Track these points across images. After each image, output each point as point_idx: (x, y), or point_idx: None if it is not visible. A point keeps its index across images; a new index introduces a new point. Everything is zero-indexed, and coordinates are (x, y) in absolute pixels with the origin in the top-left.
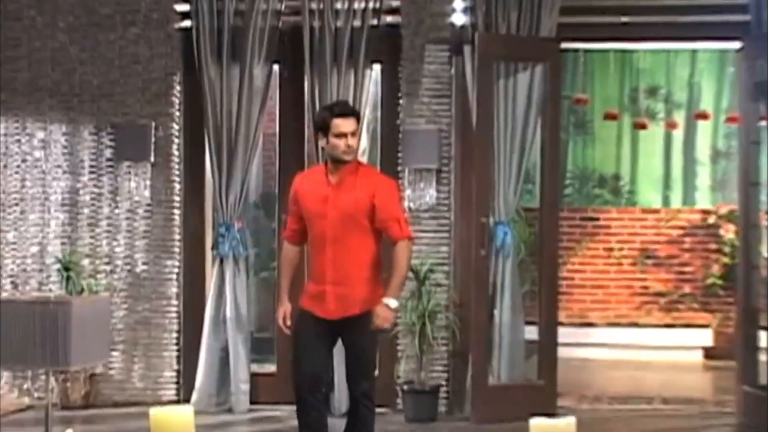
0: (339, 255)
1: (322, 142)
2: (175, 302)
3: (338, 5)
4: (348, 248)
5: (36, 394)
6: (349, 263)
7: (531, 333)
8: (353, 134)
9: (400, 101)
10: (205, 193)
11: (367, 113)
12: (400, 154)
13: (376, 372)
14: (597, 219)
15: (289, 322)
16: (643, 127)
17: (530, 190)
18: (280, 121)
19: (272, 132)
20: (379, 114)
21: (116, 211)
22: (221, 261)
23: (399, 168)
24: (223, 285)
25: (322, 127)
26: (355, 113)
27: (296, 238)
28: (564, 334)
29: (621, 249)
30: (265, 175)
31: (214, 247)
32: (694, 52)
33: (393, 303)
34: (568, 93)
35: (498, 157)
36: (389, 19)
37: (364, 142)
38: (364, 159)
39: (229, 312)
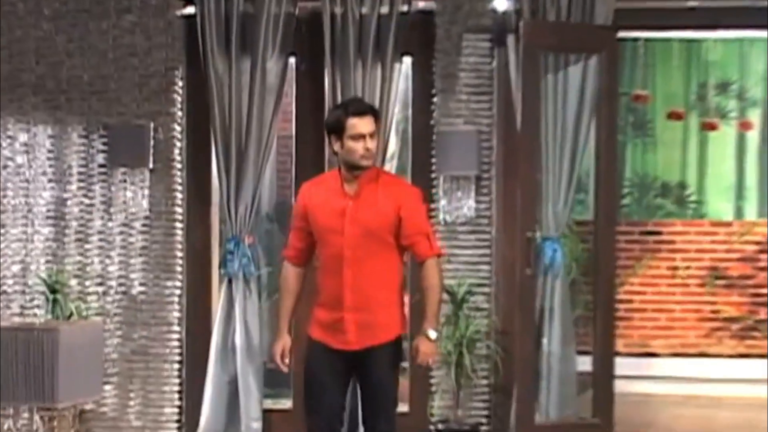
0: (359, 277)
1: (335, 146)
2: (176, 328)
3: None
4: (369, 269)
5: None
6: (370, 286)
7: (584, 364)
8: (372, 136)
9: (434, 99)
10: (212, 203)
11: (396, 112)
12: (433, 159)
13: (406, 409)
14: (659, 233)
15: (287, 360)
16: (713, 127)
17: (583, 200)
18: (297, 121)
19: (288, 134)
20: (409, 113)
21: (109, 224)
22: (230, 281)
23: (432, 175)
24: (232, 309)
25: (336, 129)
26: (372, 111)
27: (301, 259)
28: (622, 365)
29: (687, 268)
30: (280, 183)
31: (222, 265)
32: None
33: (434, 334)
34: (626, 89)
35: (546, 162)
36: (421, 4)
37: (393, 145)
38: (393, 164)
39: (238, 339)
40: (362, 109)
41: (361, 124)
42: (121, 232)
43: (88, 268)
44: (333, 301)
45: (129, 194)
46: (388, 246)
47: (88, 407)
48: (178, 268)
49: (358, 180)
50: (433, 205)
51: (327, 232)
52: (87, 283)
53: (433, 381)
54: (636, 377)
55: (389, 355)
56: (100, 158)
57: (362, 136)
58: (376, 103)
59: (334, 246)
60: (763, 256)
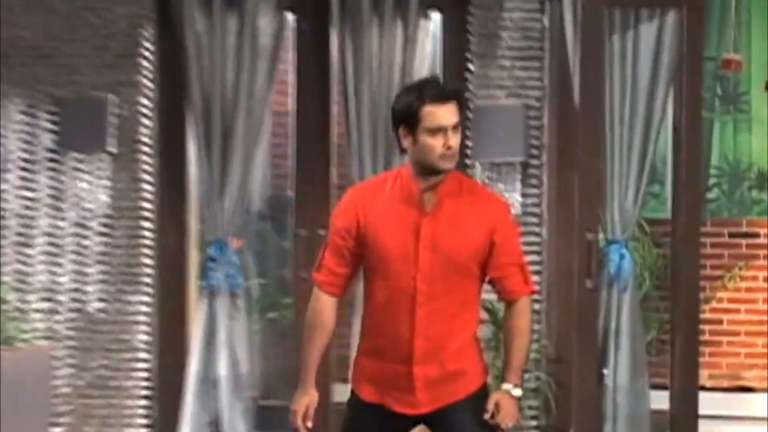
0: (433, 319)
1: (405, 142)
2: (144, 355)
3: None
4: (446, 308)
5: None
6: (447, 330)
7: (660, 400)
8: (455, 129)
9: (470, 65)
10: (189, 198)
11: None
12: (469, 142)
13: None
14: (756, 235)
15: (310, 423)
16: None
17: (657, 193)
18: (298, 94)
19: (284, 110)
20: None
21: (60, 224)
22: (212, 296)
23: (467, 161)
24: (215, 330)
25: (407, 119)
26: (457, 96)
27: (339, 287)
28: (708, 402)
29: None
30: (275, 172)
31: (202, 276)
32: None
33: (518, 392)
34: (713, 52)
35: (611, 146)
36: None
37: None
38: None
39: (223, 369)
40: (443, 94)
41: (442, 114)
42: (75, 234)
43: (31, 279)
44: (393, 351)
45: (84, 186)
46: (472, 278)
47: None
48: (147, 280)
49: (436, 189)
50: None
51: (393, 258)
52: (30, 297)
53: None
54: (725, 417)
55: (477, 411)
56: (48, 140)
57: (443, 130)
58: (396, 71)
59: (402, 277)
60: None
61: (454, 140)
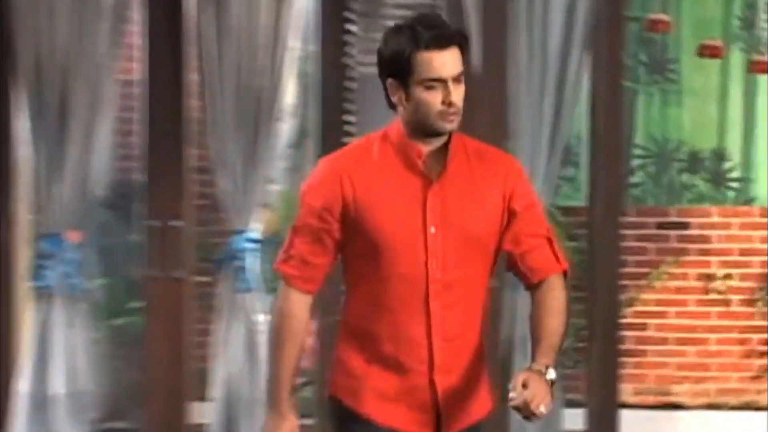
0: (453, 314)
1: (395, 97)
2: None
3: None
4: (466, 299)
5: None
6: (467, 327)
7: (574, 420)
8: (457, 80)
9: (351, 27)
10: (17, 182)
11: (294, 48)
12: (351, 117)
13: None
14: (686, 226)
15: None
16: (765, 69)
17: (572, 177)
18: (151, 61)
19: (132, 78)
20: (316, 49)
21: None
22: (45, 299)
23: (349, 138)
24: (49, 340)
25: (397, 69)
26: (460, 38)
27: (315, 283)
28: (632, 421)
29: (727, 277)
30: (121, 152)
31: (34, 275)
32: None
33: (552, 374)
34: (637, 12)
35: (516, 120)
36: None
37: (290, 96)
38: (291, 125)
39: (59, 386)
40: (443, 36)
41: (441, 62)
42: None
43: None
44: (408, 357)
45: None
46: (487, 260)
47: None
48: None
49: (439, 153)
50: None
51: (396, 241)
52: None
53: None
54: None
55: None
56: None
57: (442, 82)
58: (264, 33)
59: (410, 264)
60: None
61: (457, 94)
